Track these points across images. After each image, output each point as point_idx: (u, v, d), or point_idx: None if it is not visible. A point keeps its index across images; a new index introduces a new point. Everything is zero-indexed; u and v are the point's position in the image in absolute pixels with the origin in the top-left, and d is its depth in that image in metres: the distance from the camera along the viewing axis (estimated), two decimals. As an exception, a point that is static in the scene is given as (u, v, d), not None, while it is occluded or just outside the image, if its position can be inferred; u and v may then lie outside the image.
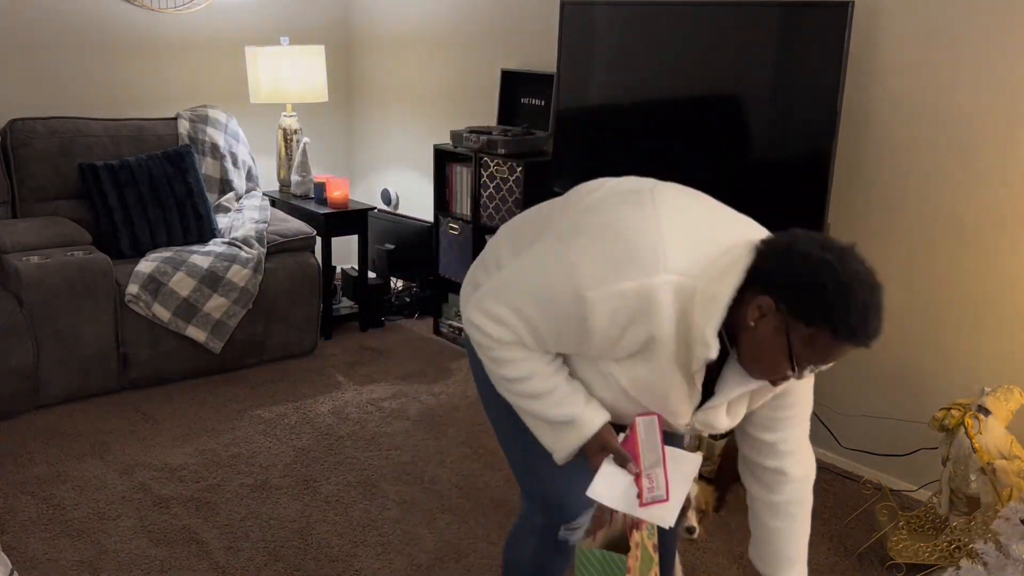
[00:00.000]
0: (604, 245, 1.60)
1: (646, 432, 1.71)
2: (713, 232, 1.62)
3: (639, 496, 1.68)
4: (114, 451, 3.26)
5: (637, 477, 1.69)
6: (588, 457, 1.74)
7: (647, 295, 1.55)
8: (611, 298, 1.57)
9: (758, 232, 1.66)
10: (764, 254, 1.56)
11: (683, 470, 1.75)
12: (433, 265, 4.46)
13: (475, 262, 1.97)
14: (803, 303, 1.49)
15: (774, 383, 1.62)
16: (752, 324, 1.55)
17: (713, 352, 1.55)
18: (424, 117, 4.83)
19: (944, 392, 2.95)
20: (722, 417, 1.74)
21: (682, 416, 1.72)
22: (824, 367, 1.58)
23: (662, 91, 3.29)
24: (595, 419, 1.72)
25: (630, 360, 1.65)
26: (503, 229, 1.96)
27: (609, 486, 1.70)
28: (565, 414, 1.71)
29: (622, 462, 1.70)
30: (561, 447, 1.75)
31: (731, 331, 1.59)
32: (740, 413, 1.76)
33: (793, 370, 1.55)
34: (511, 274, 1.72)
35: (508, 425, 1.88)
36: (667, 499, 1.70)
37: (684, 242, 1.58)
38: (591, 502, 1.80)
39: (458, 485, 3.09)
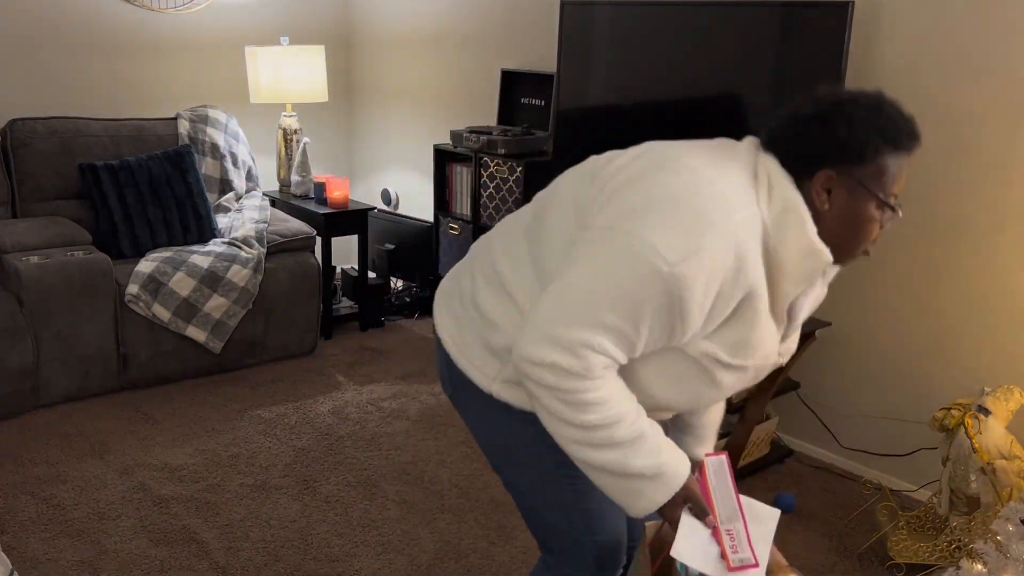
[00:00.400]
0: (670, 216, 1.44)
1: (716, 477, 1.56)
2: (730, 163, 1.53)
3: (723, 558, 1.51)
4: (114, 451, 3.26)
5: (715, 531, 1.53)
6: (666, 509, 1.54)
7: (731, 243, 1.43)
8: (701, 263, 1.42)
9: (741, 143, 1.61)
10: (784, 143, 1.51)
11: (764, 527, 1.58)
12: (433, 265, 4.47)
13: (455, 288, 1.80)
14: (858, 146, 1.45)
15: (867, 250, 1.56)
16: (826, 207, 1.49)
17: (829, 255, 1.48)
18: (424, 117, 4.83)
19: (944, 392, 2.95)
20: (795, 337, 1.65)
21: (772, 355, 1.59)
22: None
23: (662, 91, 3.29)
24: (682, 468, 1.53)
25: (723, 328, 1.50)
26: (491, 244, 1.75)
27: (691, 544, 1.50)
28: (652, 465, 1.50)
29: (701, 514, 1.54)
30: (644, 503, 1.53)
31: None
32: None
33: (893, 210, 1.50)
34: (572, 290, 1.47)
35: (549, 484, 1.69)
36: (756, 565, 1.50)
37: (730, 181, 1.48)
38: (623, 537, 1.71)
39: (458, 485, 3.09)
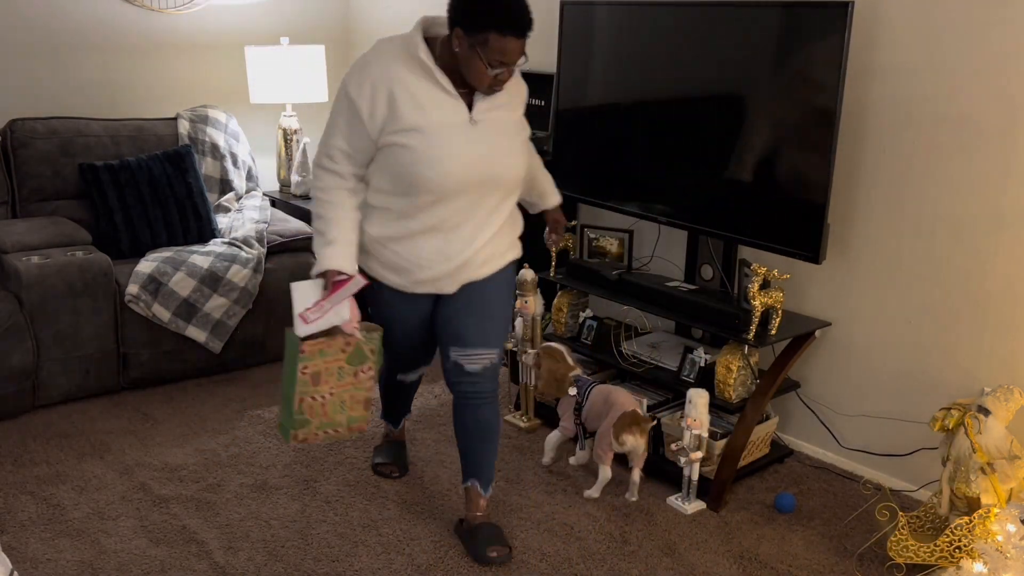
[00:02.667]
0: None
1: (347, 288, 2.50)
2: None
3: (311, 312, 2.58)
4: (114, 451, 3.26)
5: (320, 303, 2.54)
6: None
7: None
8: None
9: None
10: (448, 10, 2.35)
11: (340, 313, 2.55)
12: (433, 265, 4.45)
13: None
14: (469, 18, 2.29)
15: (490, 91, 2.41)
16: (457, 50, 2.34)
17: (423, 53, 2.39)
18: (424, 117, 4.82)
19: (944, 392, 2.95)
20: (503, 143, 2.50)
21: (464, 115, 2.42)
22: (510, 67, 2.36)
23: (662, 91, 3.29)
24: (333, 262, 2.51)
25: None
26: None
27: (305, 292, 2.59)
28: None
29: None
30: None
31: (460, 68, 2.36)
32: (517, 148, 2.54)
33: (488, 69, 2.32)
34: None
35: None
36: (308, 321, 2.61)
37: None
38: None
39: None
